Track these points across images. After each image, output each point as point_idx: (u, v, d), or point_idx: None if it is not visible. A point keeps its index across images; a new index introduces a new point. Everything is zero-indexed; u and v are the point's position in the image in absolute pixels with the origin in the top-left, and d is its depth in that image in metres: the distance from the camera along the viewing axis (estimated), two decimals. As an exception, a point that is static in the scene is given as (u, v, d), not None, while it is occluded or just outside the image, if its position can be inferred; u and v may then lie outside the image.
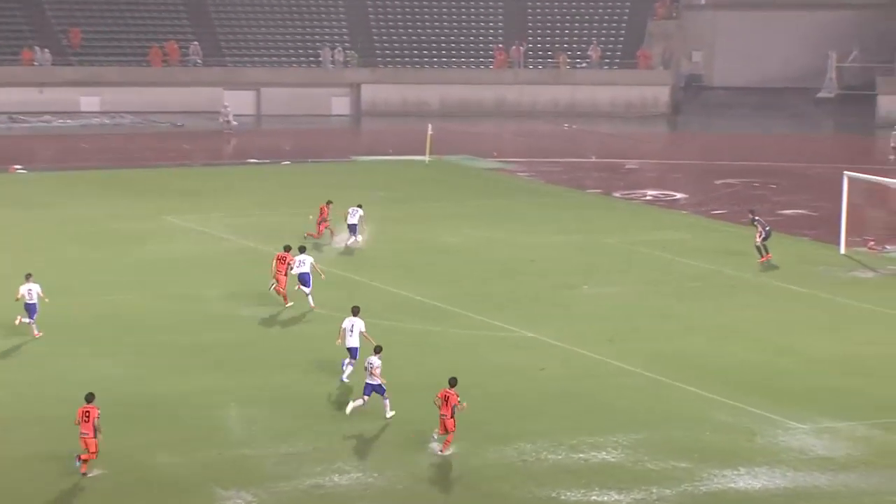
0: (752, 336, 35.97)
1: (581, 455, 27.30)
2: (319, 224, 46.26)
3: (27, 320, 34.93)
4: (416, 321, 34.64)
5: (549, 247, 46.40)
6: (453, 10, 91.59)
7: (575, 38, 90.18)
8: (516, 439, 27.99)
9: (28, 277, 35.20)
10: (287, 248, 38.75)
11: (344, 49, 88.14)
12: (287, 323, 37.01)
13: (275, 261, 38.29)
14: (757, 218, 44.53)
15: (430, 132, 66.08)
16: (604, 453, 27.43)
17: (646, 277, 42.39)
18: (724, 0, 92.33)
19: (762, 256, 43.78)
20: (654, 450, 27.51)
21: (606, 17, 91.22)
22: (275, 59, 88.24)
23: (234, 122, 77.70)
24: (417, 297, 39.40)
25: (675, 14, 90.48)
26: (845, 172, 47.20)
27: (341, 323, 31.77)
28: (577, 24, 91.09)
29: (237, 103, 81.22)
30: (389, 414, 29.31)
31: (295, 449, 27.56)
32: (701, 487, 25.75)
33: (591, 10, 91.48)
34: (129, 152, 69.20)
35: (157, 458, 26.97)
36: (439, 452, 27.34)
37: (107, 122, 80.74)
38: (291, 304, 38.07)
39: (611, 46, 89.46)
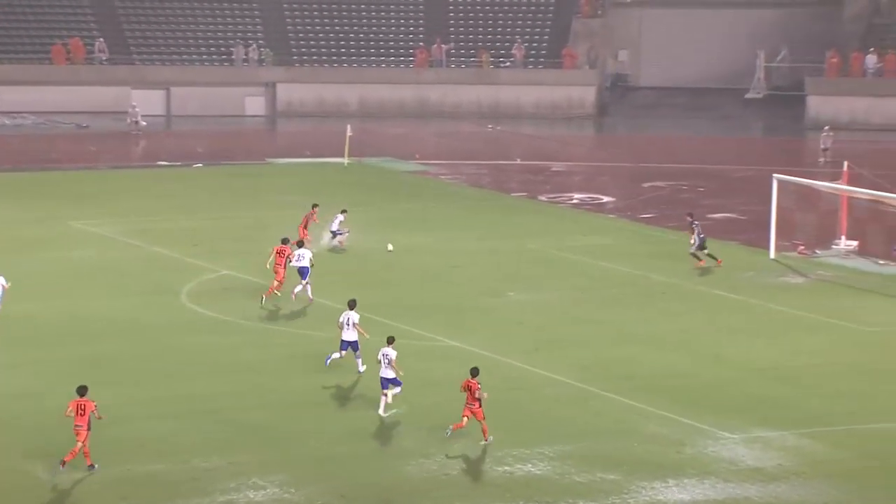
0: (682, 344, 35.70)
1: (506, 468, 26.88)
2: (304, 227, 44.74)
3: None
4: (333, 330, 33.75)
5: (473, 252, 45.89)
6: (372, 6, 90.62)
7: (498, 37, 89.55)
8: (438, 452, 27.56)
9: None
10: (285, 241, 39.19)
11: (258, 47, 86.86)
12: (195, 333, 36.35)
13: (273, 254, 38.52)
14: (695, 223, 43.95)
15: (349, 133, 65.22)
16: (529, 466, 27.01)
17: (573, 283, 42.02)
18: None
19: (699, 261, 43.24)
20: (581, 462, 27.16)
21: (530, 15, 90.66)
22: (185, 57, 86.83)
23: (143, 123, 76.24)
24: (336, 305, 38.68)
25: (600, 12, 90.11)
26: (774, 175, 46.99)
27: (338, 318, 32.20)
28: (500, 22, 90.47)
29: (146, 103, 79.69)
30: (387, 413, 29.76)
31: (209, 464, 26.94)
32: (629, 500, 25.43)
33: (514, 8, 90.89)
34: (31, 154, 68.05)
35: (63, 476, 26.14)
36: (482, 442, 27.88)
37: (6, 122, 78.90)
38: (279, 294, 38.36)
39: (535, 45, 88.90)
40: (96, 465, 26.47)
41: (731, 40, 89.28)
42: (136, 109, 76.89)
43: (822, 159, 66.60)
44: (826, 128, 70.17)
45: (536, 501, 25.21)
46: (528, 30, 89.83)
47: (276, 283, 38.52)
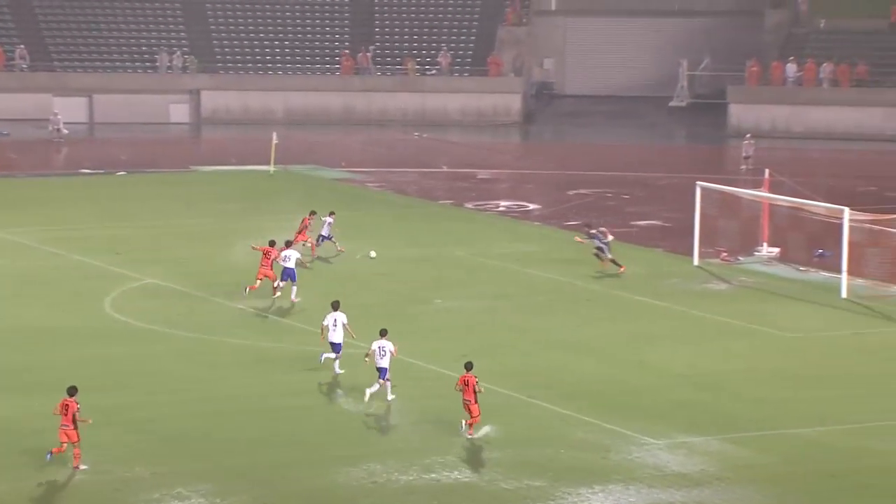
0: (607, 350, 35.81)
1: (433, 475, 26.84)
2: (300, 233, 44.56)
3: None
4: (258, 338, 33.73)
5: (399, 260, 45.76)
6: (297, 13, 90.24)
7: (424, 45, 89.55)
8: (366, 460, 27.45)
9: None
10: (272, 243, 40.00)
11: (182, 54, 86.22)
12: (118, 342, 35.99)
13: (261, 256, 39.44)
14: (593, 231, 44.17)
15: (274, 141, 64.90)
16: (456, 473, 26.99)
17: (499, 291, 42.06)
18: (575, 6, 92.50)
19: (619, 266, 43.46)
20: (507, 469, 27.16)
21: (456, 23, 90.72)
22: (108, 63, 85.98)
23: (65, 131, 75.38)
24: (262, 313, 38.49)
25: (525, 20, 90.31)
26: (698, 182, 47.30)
27: (322, 320, 32.64)
28: (426, 30, 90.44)
29: (68, 111, 78.61)
30: (391, 397, 30.77)
31: (131, 474, 26.65)
32: (556, 507, 25.40)
33: (440, 16, 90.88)
34: (-51, 162, 67.14)
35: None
36: (468, 436, 28.39)
37: (-78, 130, 77.72)
38: (257, 286, 39.10)
39: (461, 53, 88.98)
40: (82, 467, 26.59)
41: (655, 49, 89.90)
42: (58, 117, 75.93)
43: (744, 167, 67.21)
44: (748, 135, 70.84)
45: (463, 508, 25.19)
46: (453, 37, 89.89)
47: (258, 281, 39.16)
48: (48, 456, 26.68)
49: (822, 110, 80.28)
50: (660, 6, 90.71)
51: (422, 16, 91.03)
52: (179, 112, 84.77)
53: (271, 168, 64.99)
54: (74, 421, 26.64)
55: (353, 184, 63.75)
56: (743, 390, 32.59)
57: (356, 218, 53.55)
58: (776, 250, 47.25)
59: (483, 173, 67.95)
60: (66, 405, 26.76)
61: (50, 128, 75.73)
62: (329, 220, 45.72)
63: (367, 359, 31.18)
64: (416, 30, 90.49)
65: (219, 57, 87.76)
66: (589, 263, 45.42)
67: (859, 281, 42.56)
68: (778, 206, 47.65)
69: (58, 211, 54.19)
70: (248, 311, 38.74)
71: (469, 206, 58.13)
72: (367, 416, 30.33)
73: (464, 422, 28.71)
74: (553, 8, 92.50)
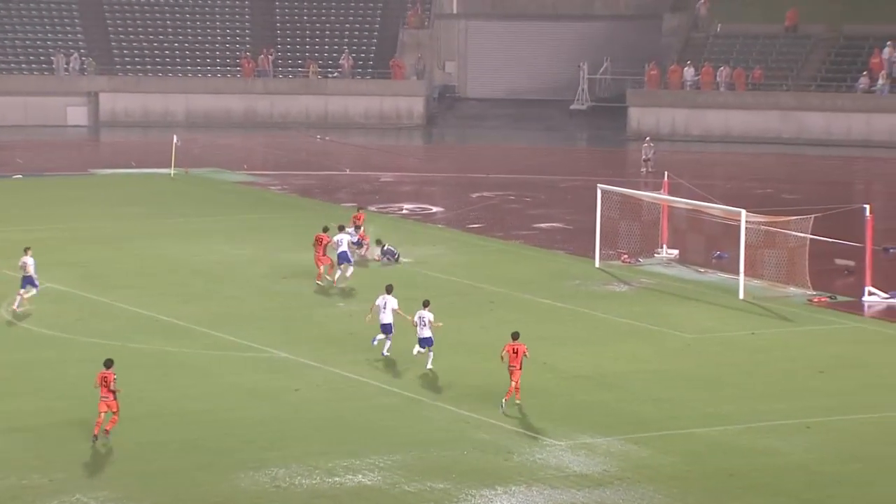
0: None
1: (337, 479, 26.79)
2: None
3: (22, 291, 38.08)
4: (160, 342, 33.45)
5: (302, 263, 45.51)
6: (197, 15, 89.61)
7: (326, 47, 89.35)
8: (270, 464, 27.32)
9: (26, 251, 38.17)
10: (325, 230, 42.31)
11: (80, 55, 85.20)
12: (15, 348, 35.58)
13: (314, 243, 41.97)
14: (387, 247, 45.41)
15: (175, 142, 64.39)
16: (360, 476, 26.95)
17: (402, 294, 41.74)
18: (475, 10, 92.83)
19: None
20: (411, 471, 27.21)
21: (357, 25, 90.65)
22: (3, 65, 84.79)
23: None
24: (163, 317, 38.33)
25: (427, 23, 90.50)
26: (599, 185, 47.67)
27: (374, 300, 34.41)
28: (327, 32, 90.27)
29: (-39, 113, 77.70)
30: (430, 366, 33.21)
31: (29, 481, 26.34)
32: (459, 509, 25.46)
33: (341, 18, 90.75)
34: None
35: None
36: (502, 407, 30.40)
37: None
38: (328, 280, 41.79)
39: (363, 56, 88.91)
40: (109, 437, 28.10)
41: (556, 52, 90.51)
42: (-48, 120, 74.93)
43: (644, 169, 67.90)
44: (647, 138, 71.59)
45: (367, 512, 25.18)
46: (355, 40, 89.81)
47: (321, 269, 41.76)
48: (94, 439, 27.98)
49: (719, 113, 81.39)
50: (560, 10, 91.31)
51: (323, 18, 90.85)
52: (77, 115, 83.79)
53: (172, 171, 64.49)
54: (113, 391, 28.13)
55: (255, 187, 63.45)
56: (644, 391, 32.88)
57: (258, 221, 53.35)
58: (675, 252, 47.79)
59: (386, 176, 67.97)
60: (105, 377, 28.20)
61: (-55, 131, 74.62)
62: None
63: (367, 318, 34.39)
64: (317, 32, 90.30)
65: (117, 59, 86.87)
66: (492, 266, 45.62)
67: (756, 282, 43.18)
68: (677, 208, 48.20)
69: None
70: (151, 316, 38.38)
71: (372, 208, 58.09)
72: (271, 419, 30.20)
73: (502, 403, 30.53)
74: (454, 11, 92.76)
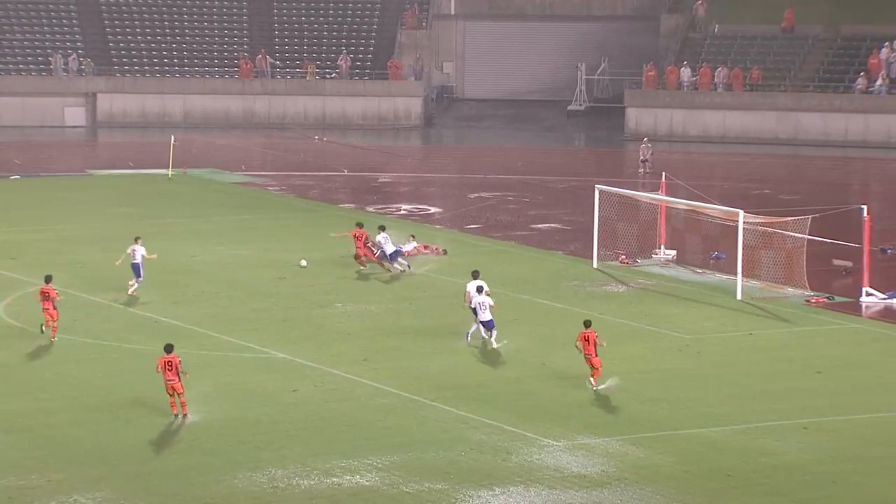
0: (507, 352, 35.98)
1: (334, 479, 26.78)
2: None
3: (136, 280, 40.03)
4: (156, 343, 33.37)
5: (299, 263, 45.51)
6: (195, 15, 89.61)
7: (324, 48, 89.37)
8: (267, 465, 27.33)
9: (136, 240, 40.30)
10: (359, 225, 44.26)
11: (78, 56, 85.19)
12: (13, 348, 35.53)
13: (354, 241, 43.59)
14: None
15: (173, 142, 64.40)
16: (358, 477, 26.95)
17: (400, 294, 42.07)
18: (473, 10, 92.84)
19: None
20: (409, 472, 27.19)
21: (355, 26, 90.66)
22: (1, 65, 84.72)
23: None
24: (161, 318, 38.30)
25: (425, 24, 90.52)
26: (596, 186, 47.69)
27: (466, 286, 36.41)
28: (325, 33, 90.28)
29: (-41, 113, 77.71)
30: (497, 344, 35.42)
31: (27, 482, 26.33)
32: (456, 510, 25.48)
33: (339, 19, 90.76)
34: None
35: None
36: (593, 389, 31.97)
37: None
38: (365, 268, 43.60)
39: (361, 56, 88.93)
40: (190, 417, 29.68)
41: (553, 53, 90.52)
42: (-49, 120, 74.98)
43: (641, 170, 67.93)
44: (645, 139, 71.63)
45: (365, 512, 25.20)
46: (353, 41, 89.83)
47: (363, 260, 43.64)
48: (176, 417, 29.70)
49: (716, 114, 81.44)
50: (557, 11, 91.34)
51: (321, 19, 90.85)
52: (75, 115, 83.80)
53: (170, 171, 64.49)
54: (178, 374, 29.53)
55: (253, 187, 63.47)
56: (642, 391, 32.90)
57: (256, 222, 53.38)
58: (673, 253, 47.82)
59: (384, 177, 67.99)
60: (170, 361, 29.64)
61: (-57, 131, 74.66)
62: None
63: (465, 304, 36.39)
64: (315, 33, 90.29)
65: (115, 59, 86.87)
66: (491, 266, 45.60)
67: (754, 283, 43.21)
68: (675, 208, 48.22)
69: (-49, 216, 53.44)
70: (149, 317, 38.37)
71: (370, 209, 58.13)
72: (269, 420, 30.22)
73: (591, 382, 32.09)
74: (452, 12, 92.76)
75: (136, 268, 40.43)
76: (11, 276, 43.11)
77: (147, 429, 29.51)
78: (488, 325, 35.65)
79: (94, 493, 25.82)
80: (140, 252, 40.43)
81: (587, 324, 32.87)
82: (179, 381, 29.81)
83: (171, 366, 29.87)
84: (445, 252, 47.40)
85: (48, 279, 35.88)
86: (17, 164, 68.35)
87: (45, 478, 26.48)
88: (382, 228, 44.50)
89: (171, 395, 29.95)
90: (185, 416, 29.91)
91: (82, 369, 33.60)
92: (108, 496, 25.75)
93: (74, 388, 32.14)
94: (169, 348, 30.27)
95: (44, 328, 35.62)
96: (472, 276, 37.13)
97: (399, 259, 44.05)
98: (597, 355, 32.20)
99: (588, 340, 32.26)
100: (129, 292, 40.38)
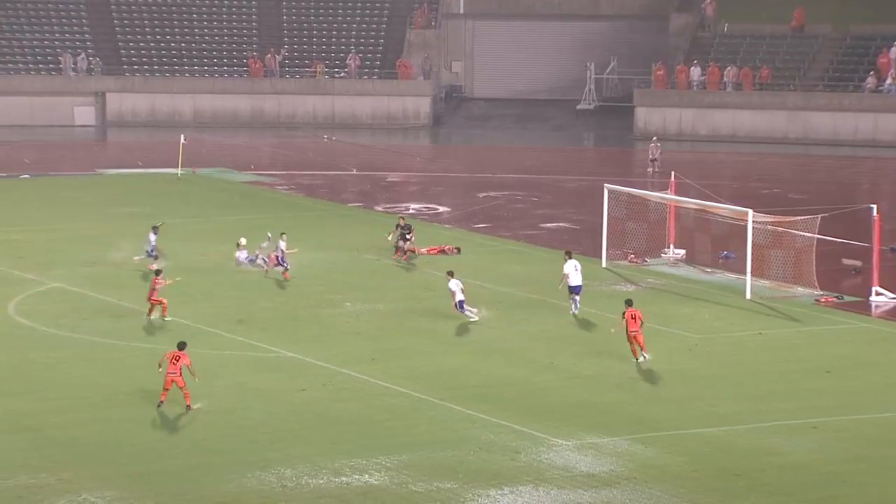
0: (516, 353, 35.97)
1: (343, 478, 26.75)
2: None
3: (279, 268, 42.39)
4: (164, 342, 33.40)
5: (309, 262, 45.59)
6: (204, 15, 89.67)
7: (333, 47, 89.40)
8: (276, 464, 27.32)
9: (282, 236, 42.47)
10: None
11: (87, 55, 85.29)
12: (23, 347, 35.56)
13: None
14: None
15: (182, 141, 64.44)
16: (367, 476, 26.93)
17: (409, 293, 42.06)
18: (482, 10, 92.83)
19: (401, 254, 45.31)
20: (418, 471, 27.16)
21: (364, 26, 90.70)
22: (10, 65, 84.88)
23: None
24: (169, 318, 38.22)
25: (433, 23, 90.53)
26: (605, 185, 47.63)
27: (563, 268, 39.02)
28: (334, 33, 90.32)
29: (-32, 113, 77.80)
30: (575, 310, 38.87)
31: (37, 481, 26.34)
32: (465, 509, 25.44)
33: (348, 19, 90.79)
34: None
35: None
36: (643, 358, 34.26)
37: None
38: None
39: (370, 56, 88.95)
40: (195, 406, 30.23)
41: (562, 52, 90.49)
42: (-38, 119, 75.12)
43: (650, 169, 67.87)
44: (654, 138, 71.56)
45: (373, 512, 25.18)
46: (362, 40, 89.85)
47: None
48: (159, 406, 30.16)
49: (726, 113, 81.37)
50: (567, 10, 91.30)
51: (330, 18, 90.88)
52: (84, 115, 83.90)
53: (179, 171, 64.53)
54: (180, 369, 30.03)
55: (262, 186, 63.49)
56: (650, 391, 32.88)
57: (266, 221, 53.33)
58: (682, 252, 47.76)
59: (393, 176, 67.99)
60: (178, 356, 30.20)
61: (-47, 130, 74.77)
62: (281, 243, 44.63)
63: (560, 286, 39.28)
64: (324, 32, 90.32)
65: (124, 59, 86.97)
66: (498, 266, 45.65)
67: (763, 282, 43.16)
68: (684, 208, 48.17)
69: (-39, 215, 53.52)
70: (156, 317, 38.34)
71: (379, 208, 58.13)
72: (278, 419, 30.22)
73: (644, 355, 34.26)
74: (461, 11, 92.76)
75: (280, 260, 42.51)
76: (20, 276, 43.16)
77: (156, 428, 29.55)
78: (575, 291, 39.03)
79: (102, 492, 25.84)
80: (283, 246, 42.69)
81: (629, 302, 35.09)
82: (180, 374, 30.12)
83: (177, 360, 30.21)
84: (459, 250, 47.36)
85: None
86: (26, 163, 68.43)
87: (55, 476, 26.50)
88: (451, 275, 39.50)
89: (166, 389, 30.24)
90: (188, 407, 30.24)
91: (90, 368, 33.64)
92: (116, 495, 25.76)
93: (83, 387, 32.18)
94: (182, 345, 30.54)
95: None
96: (568, 255, 39.80)
97: (466, 308, 40.06)
98: (640, 331, 34.28)
99: (635, 318, 34.25)
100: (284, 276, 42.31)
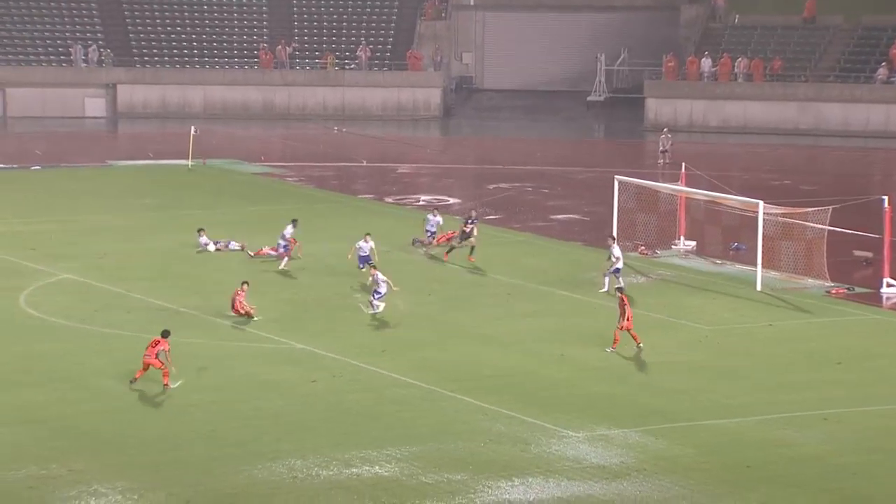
0: (527, 344, 35.95)
1: (354, 470, 26.78)
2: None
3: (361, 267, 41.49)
4: (174, 334, 33.42)
5: (319, 254, 45.55)
6: (215, 6, 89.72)
7: (343, 39, 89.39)
8: (286, 455, 27.35)
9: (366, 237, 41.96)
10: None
11: (98, 47, 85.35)
12: (33, 338, 35.62)
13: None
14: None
15: (193, 133, 64.46)
16: (377, 467, 26.95)
17: (420, 285, 42.04)
18: (493, 1, 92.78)
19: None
20: (428, 463, 27.18)
21: (375, 17, 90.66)
22: (22, 56, 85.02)
23: None
24: (181, 309, 38.32)
25: (444, 15, 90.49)
26: (616, 177, 47.58)
27: (613, 251, 40.58)
28: (344, 24, 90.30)
29: (-21, 104, 77.90)
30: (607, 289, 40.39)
31: (48, 472, 26.41)
32: (475, 500, 25.48)
33: (358, 10, 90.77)
34: None
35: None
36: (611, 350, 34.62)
37: None
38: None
39: (380, 47, 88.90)
40: (172, 386, 31.06)
41: (573, 43, 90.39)
42: (-28, 111, 75.26)
43: (661, 161, 67.79)
44: (665, 130, 71.47)
45: (384, 503, 25.15)
46: (372, 32, 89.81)
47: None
48: (132, 383, 31.14)
49: (737, 104, 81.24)
50: (577, 1, 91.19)
51: (340, 10, 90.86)
52: (95, 106, 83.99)
53: (190, 162, 64.58)
54: (157, 353, 30.96)
55: (272, 178, 63.51)
56: (661, 382, 32.84)
57: (276, 213, 53.35)
58: (692, 244, 47.71)
59: (403, 167, 67.98)
60: (157, 342, 31.17)
61: (-35, 122, 74.92)
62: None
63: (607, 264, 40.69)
64: (335, 24, 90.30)
65: (135, 50, 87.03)
66: (510, 258, 45.63)
67: (773, 274, 43.11)
68: (694, 199, 48.12)
69: (-28, 206, 53.62)
70: (168, 307, 38.39)
71: (389, 200, 58.12)
72: (288, 411, 30.24)
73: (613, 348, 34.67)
74: (472, 2, 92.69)
75: (365, 259, 41.59)
76: (32, 267, 43.23)
77: (167, 419, 29.58)
78: (616, 271, 40.09)
79: (114, 483, 25.88)
80: (368, 247, 41.81)
81: (620, 289, 35.94)
82: (155, 357, 31.04)
83: (156, 345, 31.13)
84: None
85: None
86: (37, 154, 68.53)
87: (66, 467, 26.53)
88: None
89: (143, 369, 31.24)
90: (165, 386, 31.10)
91: (101, 360, 33.69)
92: (127, 486, 25.81)
93: (94, 378, 32.23)
94: (165, 333, 31.59)
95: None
96: (612, 238, 41.73)
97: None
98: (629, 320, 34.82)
99: (623, 302, 34.82)
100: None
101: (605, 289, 41.21)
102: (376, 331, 36.82)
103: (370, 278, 38.29)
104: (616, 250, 41.06)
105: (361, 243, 42.43)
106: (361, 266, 41.76)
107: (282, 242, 43.78)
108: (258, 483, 26.11)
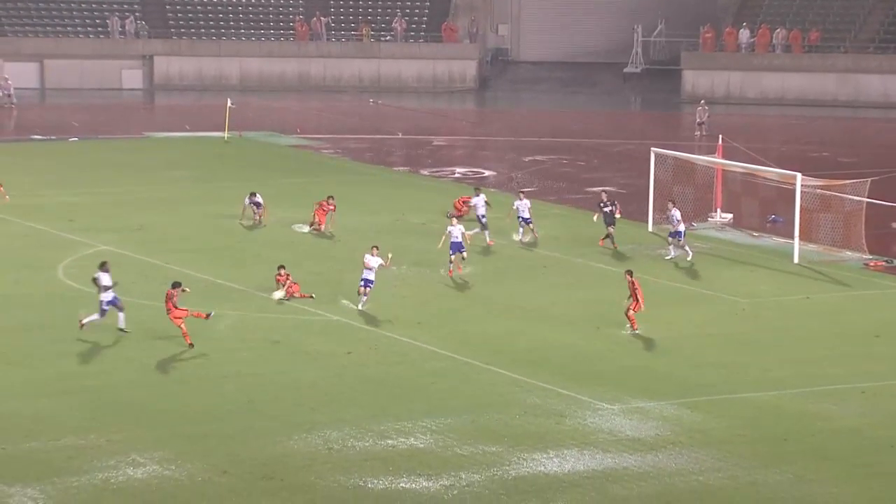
0: (563, 317, 35.93)
1: (389, 441, 26.83)
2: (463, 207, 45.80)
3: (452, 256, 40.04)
4: (211, 305, 33.54)
5: (355, 227, 45.64)
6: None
7: (379, 10, 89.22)
8: (322, 427, 27.44)
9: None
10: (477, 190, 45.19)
11: (135, 19, 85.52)
12: (72, 309, 35.58)
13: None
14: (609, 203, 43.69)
15: (229, 105, 64.58)
16: (412, 439, 26.99)
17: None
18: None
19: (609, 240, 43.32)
20: (463, 435, 27.19)
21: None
22: (59, 28, 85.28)
23: (15, 99, 74.74)
24: (218, 280, 38.54)
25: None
26: (652, 149, 47.41)
27: (671, 213, 41.29)
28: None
29: (18, 76, 78.12)
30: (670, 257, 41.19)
31: (86, 441, 26.59)
32: (510, 472, 25.49)
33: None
34: None
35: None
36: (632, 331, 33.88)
37: None
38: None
39: (416, 19, 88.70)
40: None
41: (609, 15, 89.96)
42: (9, 82, 75.39)
43: (697, 133, 67.49)
44: (701, 101, 71.12)
45: (419, 474, 25.18)
46: (408, 3, 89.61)
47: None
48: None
49: (775, 76, 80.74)
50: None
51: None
52: (132, 78, 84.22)
53: (226, 134, 64.70)
54: (173, 304, 31.90)
55: (308, 150, 63.57)
56: (697, 355, 32.77)
57: (311, 185, 53.47)
58: (729, 216, 47.49)
59: (439, 140, 67.90)
60: (169, 293, 32.26)
61: (1, 93, 75.07)
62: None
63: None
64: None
65: (172, 22, 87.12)
66: (545, 230, 45.51)
67: (811, 246, 42.88)
68: (731, 171, 47.88)
69: (9, 177, 53.58)
70: (207, 279, 38.52)
71: (425, 172, 58.09)
72: (324, 382, 30.33)
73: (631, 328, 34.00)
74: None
75: (457, 246, 39.48)
76: (70, 238, 43.46)
77: (204, 390, 29.70)
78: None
79: (152, 453, 26.01)
80: (457, 231, 39.94)
81: (631, 272, 34.62)
82: (176, 309, 31.96)
83: (167, 297, 32.15)
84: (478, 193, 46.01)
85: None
86: (75, 126, 68.79)
87: (104, 437, 26.69)
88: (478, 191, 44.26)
89: (182, 330, 32.20)
90: (190, 345, 31.97)
91: (139, 331, 33.83)
92: (165, 456, 25.94)
93: (132, 349, 32.38)
94: (175, 284, 32.59)
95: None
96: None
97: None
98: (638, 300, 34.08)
99: (634, 285, 34.03)
100: (451, 272, 39.29)
101: (671, 255, 41.40)
102: (412, 303, 36.83)
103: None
104: (676, 213, 40.98)
105: (451, 228, 40.31)
106: (452, 253, 39.57)
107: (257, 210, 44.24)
108: (294, 454, 26.21)
